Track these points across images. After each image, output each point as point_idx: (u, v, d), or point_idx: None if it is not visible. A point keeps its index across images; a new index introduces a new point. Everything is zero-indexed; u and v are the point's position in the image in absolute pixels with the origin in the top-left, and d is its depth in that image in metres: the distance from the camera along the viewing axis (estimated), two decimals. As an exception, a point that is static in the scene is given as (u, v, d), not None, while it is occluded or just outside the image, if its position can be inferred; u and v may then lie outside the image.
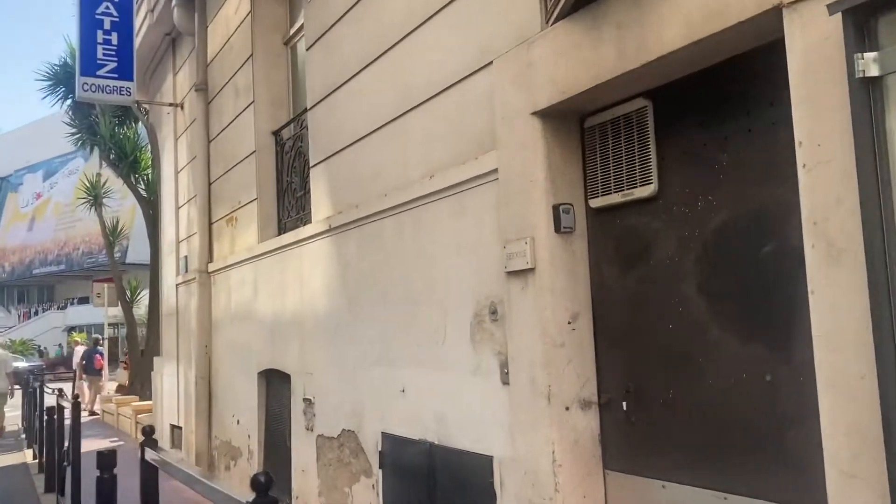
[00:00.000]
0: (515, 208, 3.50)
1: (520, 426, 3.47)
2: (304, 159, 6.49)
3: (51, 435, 8.69)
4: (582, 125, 3.49)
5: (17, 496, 8.49)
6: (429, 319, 4.28)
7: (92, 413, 16.87)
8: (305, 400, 5.95)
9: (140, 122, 17.61)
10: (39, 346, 41.81)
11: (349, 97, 5.32)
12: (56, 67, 16.76)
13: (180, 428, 9.77)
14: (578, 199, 3.46)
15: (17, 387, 14.48)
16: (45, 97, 17.02)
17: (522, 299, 3.45)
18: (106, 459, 4.55)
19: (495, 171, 3.67)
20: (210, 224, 8.72)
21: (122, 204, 42.42)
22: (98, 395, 17.73)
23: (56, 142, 17.39)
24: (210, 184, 8.72)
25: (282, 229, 7.09)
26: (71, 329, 48.36)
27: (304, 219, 6.39)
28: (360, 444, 5.06)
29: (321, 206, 5.78)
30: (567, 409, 3.33)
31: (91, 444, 12.59)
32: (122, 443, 12.39)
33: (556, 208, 3.37)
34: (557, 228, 3.37)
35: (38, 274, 62.17)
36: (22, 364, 23.11)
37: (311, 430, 5.84)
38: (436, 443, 4.17)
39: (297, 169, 6.86)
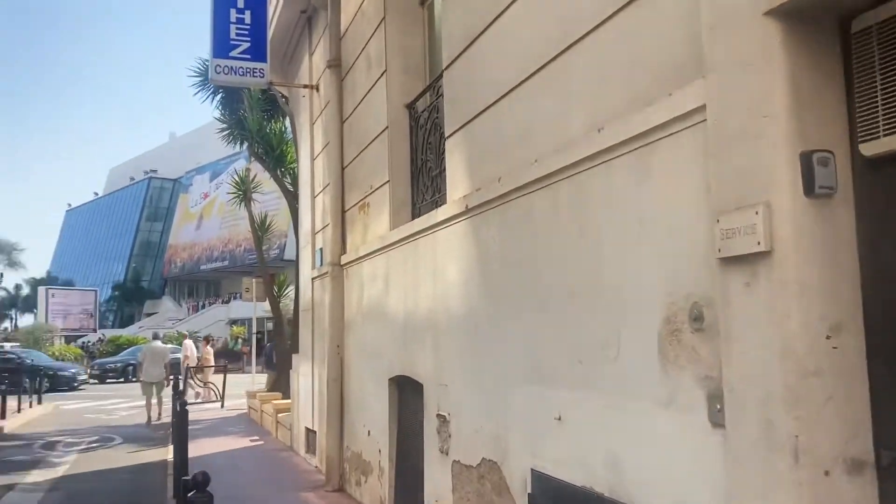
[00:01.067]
0: (737, 161, 2.31)
1: (744, 493, 2.28)
2: (439, 133, 5.52)
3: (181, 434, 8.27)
4: (846, 29, 2.25)
5: (146, 498, 8.13)
6: (595, 325, 3.16)
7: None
8: (439, 416, 4.97)
9: (287, 116, 17.58)
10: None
11: (493, 43, 4.26)
12: (206, 63, 16.89)
13: (315, 432, 9.15)
14: (841, 144, 2.22)
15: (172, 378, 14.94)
16: (196, 93, 17.26)
17: (749, 300, 2.26)
18: (198, 484, 3.76)
19: (701, 109, 2.49)
20: (343, 212, 7.98)
21: (280, 202, 43.92)
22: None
23: (222, 144, 17.48)
24: (343, 169, 7.98)
25: (416, 214, 6.16)
26: (233, 322, 50.67)
27: (440, 201, 5.42)
28: (503, 480, 4.01)
29: (457, 184, 4.77)
30: (827, 472, 2.11)
31: (232, 443, 12.39)
32: (261, 442, 12.05)
33: (806, 158, 2.15)
34: (809, 190, 2.15)
35: (205, 270, 65.88)
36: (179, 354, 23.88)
37: (446, 454, 4.85)
38: (606, 496, 3.04)
39: (432, 145, 5.90)
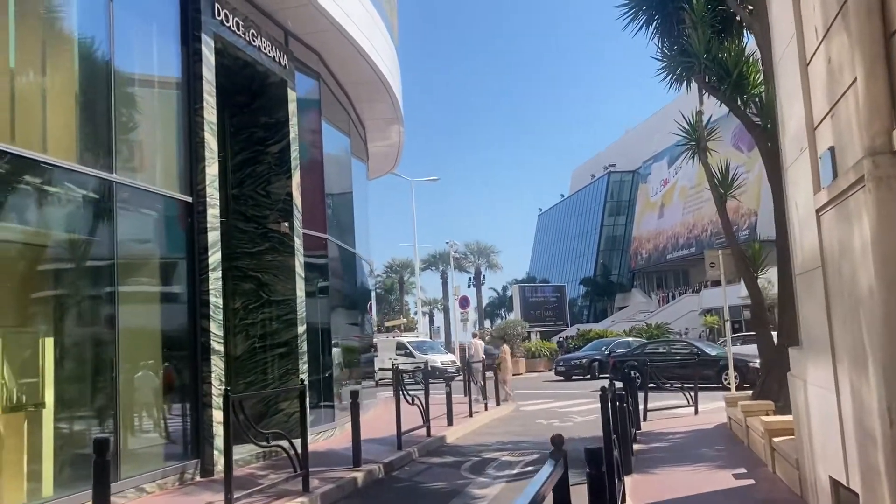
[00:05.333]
0: None
1: None
2: None
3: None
4: None
5: None
6: None
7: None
8: None
9: (746, 30, 13.21)
10: (674, 330, 40.55)
11: None
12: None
13: (854, 493, 4.88)
14: None
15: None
16: (625, 26, 13.91)
17: None
18: None
19: None
20: (889, 39, 3.71)
21: (747, 178, 38.47)
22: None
23: (675, 127, 13.96)
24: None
25: None
26: (706, 312, 46.39)
27: None
28: None
29: None
30: None
31: (705, 479, 8.56)
32: (750, 481, 7.97)
33: None
34: None
35: (672, 259, 62.69)
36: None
37: None
38: None
39: None
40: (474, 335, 23.77)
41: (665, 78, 13.96)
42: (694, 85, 13.67)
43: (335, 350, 14.00)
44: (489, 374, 18.45)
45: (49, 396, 7.64)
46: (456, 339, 44.97)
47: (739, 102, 12.56)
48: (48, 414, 7.58)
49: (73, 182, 7.79)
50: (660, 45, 13.94)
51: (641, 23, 13.94)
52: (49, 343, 7.84)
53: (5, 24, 7.09)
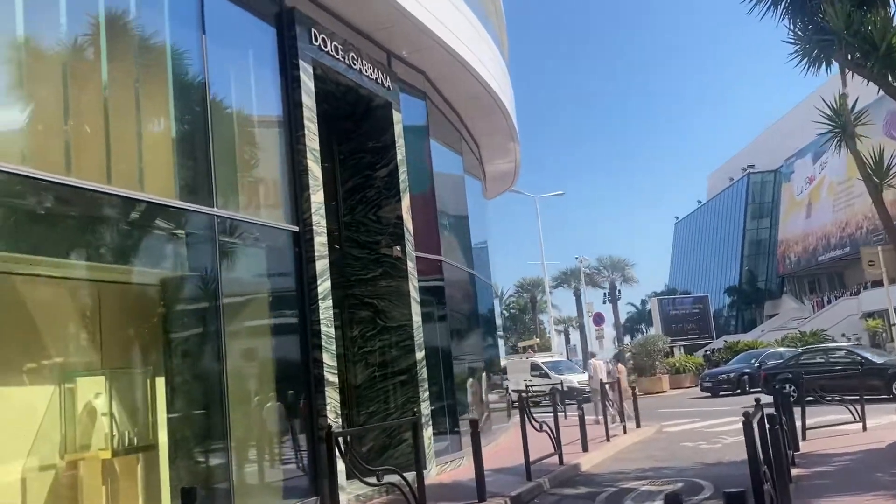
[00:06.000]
0: None
1: None
2: None
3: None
4: None
5: None
6: None
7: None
8: None
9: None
10: (832, 338, 37.32)
11: None
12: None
13: None
14: None
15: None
16: (750, 9, 12.73)
17: None
18: None
19: None
20: None
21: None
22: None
23: (819, 116, 12.66)
24: None
25: None
26: (868, 315, 42.61)
27: None
28: None
29: None
30: None
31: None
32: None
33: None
34: None
35: (824, 261, 58.29)
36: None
37: None
38: None
39: None
40: (592, 355, 22.70)
41: (800, 62, 12.65)
42: (835, 67, 12.31)
43: (459, 375, 13.51)
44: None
45: (162, 437, 7.55)
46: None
47: (891, 78, 11.12)
48: (162, 455, 7.49)
49: (173, 219, 7.74)
50: (791, 27, 12.66)
51: (769, 3, 12.72)
52: (160, 382, 7.78)
53: (98, 65, 7.13)
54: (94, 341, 7.49)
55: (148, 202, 7.34)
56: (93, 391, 7.20)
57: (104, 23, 7.20)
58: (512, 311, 75.75)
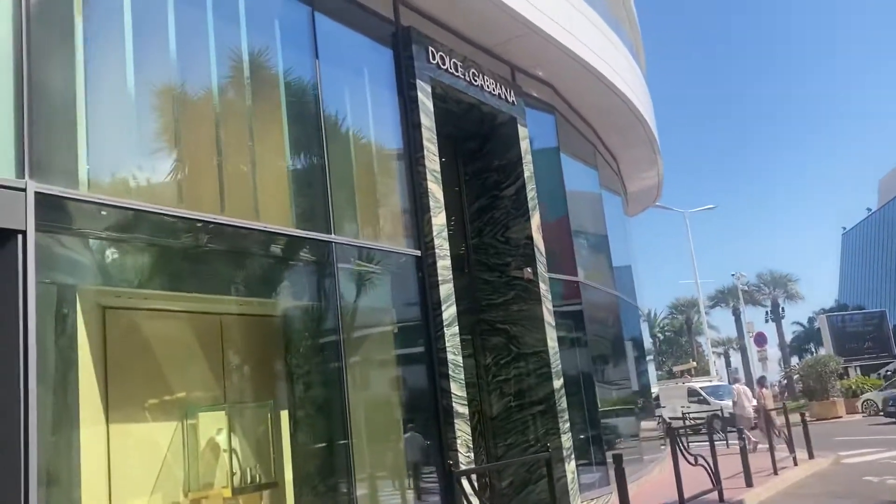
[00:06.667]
0: None
1: None
2: None
3: None
4: None
5: None
6: None
7: None
8: None
9: None
10: None
11: None
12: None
13: None
14: None
15: None
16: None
17: None
18: None
19: None
20: None
21: None
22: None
23: None
24: None
25: None
26: None
27: None
28: None
29: None
30: None
31: None
32: None
33: None
34: None
35: None
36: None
37: None
38: None
39: None
40: (735, 380, 20.95)
41: None
42: None
43: (604, 403, 12.62)
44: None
45: (285, 473, 7.31)
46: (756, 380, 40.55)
47: None
48: (286, 492, 7.24)
49: (289, 247, 7.55)
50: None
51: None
52: (283, 417, 7.57)
53: (210, 97, 7.08)
54: (217, 375, 7.38)
55: (261, 231, 7.16)
56: (215, 427, 7.07)
57: (214, 54, 7.16)
58: (666, 333, 72.57)
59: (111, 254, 6.69)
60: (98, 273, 6.57)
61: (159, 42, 6.71)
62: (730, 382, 25.57)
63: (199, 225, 6.61)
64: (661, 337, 72.73)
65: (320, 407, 7.57)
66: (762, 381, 19.66)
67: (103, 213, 5.85)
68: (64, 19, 5.73)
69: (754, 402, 18.38)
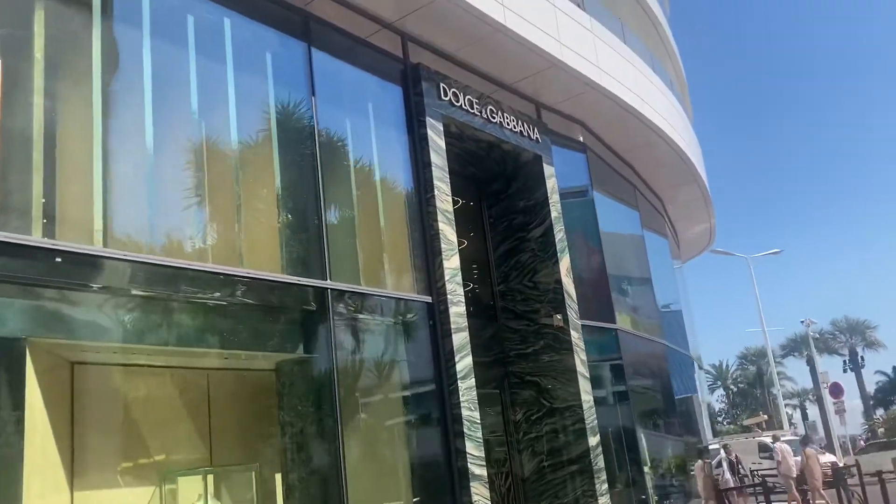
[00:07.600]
0: None
1: None
2: None
3: None
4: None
5: None
6: None
7: None
8: None
9: None
10: None
11: None
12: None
13: None
14: None
15: None
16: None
17: None
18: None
19: None
20: None
21: None
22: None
23: None
24: None
25: None
26: None
27: None
28: None
29: None
30: None
31: None
32: None
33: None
34: None
35: None
36: None
37: None
38: None
39: None
40: (775, 438, 19.18)
41: None
42: None
43: (651, 461, 11.58)
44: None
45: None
46: (835, 435, 38.01)
47: None
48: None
49: (278, 294, 7.00)
50: None
51: None
52: (277, 479, 6.93)
53: (201, 142, 6.69)
54: (203, 435, 6.81)
55: (247, 278, 6.64)
56: (195, 492, 6.46)
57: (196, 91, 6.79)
58: (739, 385, 69.42)
59: (84, 306, 6.23)
60: (67, 326, 6.11)
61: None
62: (802, 438, 23.83)
63: (178, 272, 6.13)
64: (734, 389, 69.59)
65: (313, 471, 6.89)
66: (806, 440, 18.25)
67: (58, 259, 5.41)
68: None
69: (798, 459, 17.01)
